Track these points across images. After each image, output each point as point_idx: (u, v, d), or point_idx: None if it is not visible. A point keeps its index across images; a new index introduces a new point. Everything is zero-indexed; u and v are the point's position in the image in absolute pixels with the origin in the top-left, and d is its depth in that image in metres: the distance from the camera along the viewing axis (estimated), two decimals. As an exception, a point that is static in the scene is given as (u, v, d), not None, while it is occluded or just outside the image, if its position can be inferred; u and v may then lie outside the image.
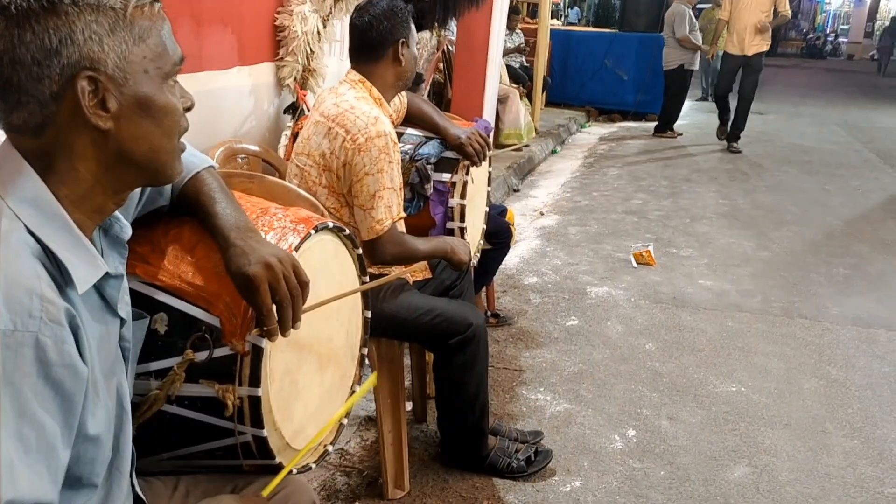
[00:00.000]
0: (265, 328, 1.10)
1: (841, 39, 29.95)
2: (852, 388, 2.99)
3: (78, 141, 0.88)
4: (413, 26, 2.19)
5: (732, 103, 8.13)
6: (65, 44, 0.83)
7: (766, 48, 7.74)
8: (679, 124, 9.18)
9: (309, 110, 2.76)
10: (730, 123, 8.24)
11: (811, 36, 28.05)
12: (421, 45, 5.60)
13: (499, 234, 2.97)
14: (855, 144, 8.94)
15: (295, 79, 2.82)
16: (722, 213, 5.59)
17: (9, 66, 0.83)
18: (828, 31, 29.17)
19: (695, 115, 10.49)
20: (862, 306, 3.87)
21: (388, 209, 2.00)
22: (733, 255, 4.63)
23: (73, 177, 0.90)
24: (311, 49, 2.84)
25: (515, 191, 6.15)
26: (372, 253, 2.01)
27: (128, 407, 1.02)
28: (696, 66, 8.71)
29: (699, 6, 10.10)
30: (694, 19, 8.50)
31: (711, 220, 5.40)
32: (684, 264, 4.42)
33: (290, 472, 1.26)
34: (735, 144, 8.14)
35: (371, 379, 1.40)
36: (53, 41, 0.83)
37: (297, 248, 1.22)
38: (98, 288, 0.94)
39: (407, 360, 2.54)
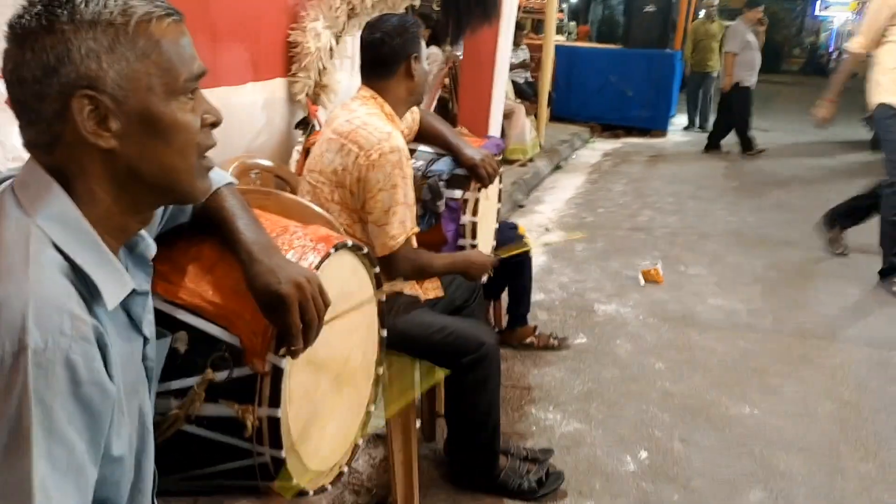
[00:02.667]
0: (292, 348, 1.08)
1: (844, 56, 30.05)
2: (866, 411, 2.96)
3: (88, 160, 0.87)
4: (423, 42, 2.19)
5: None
6: (62, 62, 0.82)
7: None
8: (680, 140, 9.21)
9: (320, 126, 2.75)
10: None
11: (817, 53, 28.16)
12: (430, 62, 5.61)
13: (516, 250, 2.95)
14: (862, 161, 8.93)
15: (307, 94, 2.82)
16: (730, 230, 5.57)
17: (16, 86, 0.84)
18: (831, 49, 29.24)
19: (700, 133, 10.50)
20: (875, 327, 3.84)
21: (401, 224, 1.99)
22: (743, 273, 4.61)
23: (91, 197, 0.89)
24: (323, 65, 2.84)
25: (520, 206, 6.14)
26: (388, 269, 2.00)
27: (150, 426, 1.01)
28: (752, 84, 8.65)
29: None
30: (751, 39, 8.52)
31: (719, 237, 5.38)
32: (693, 282, 4.40)
33: (306, 493, 1.24)
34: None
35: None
36: (51, 60, 0.82)
37: (317, 267, 1.20)
38: (124, 306, 0.93)
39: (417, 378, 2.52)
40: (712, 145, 9.05)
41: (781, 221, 5.89)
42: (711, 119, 10.37)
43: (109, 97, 0.85)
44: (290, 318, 1.06)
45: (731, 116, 8.81)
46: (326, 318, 1.17)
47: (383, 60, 2.10)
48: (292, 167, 2.71)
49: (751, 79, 8.60)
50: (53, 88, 0.83)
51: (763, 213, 6.17)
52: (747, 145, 8.85)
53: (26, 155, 0.90)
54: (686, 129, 10.69)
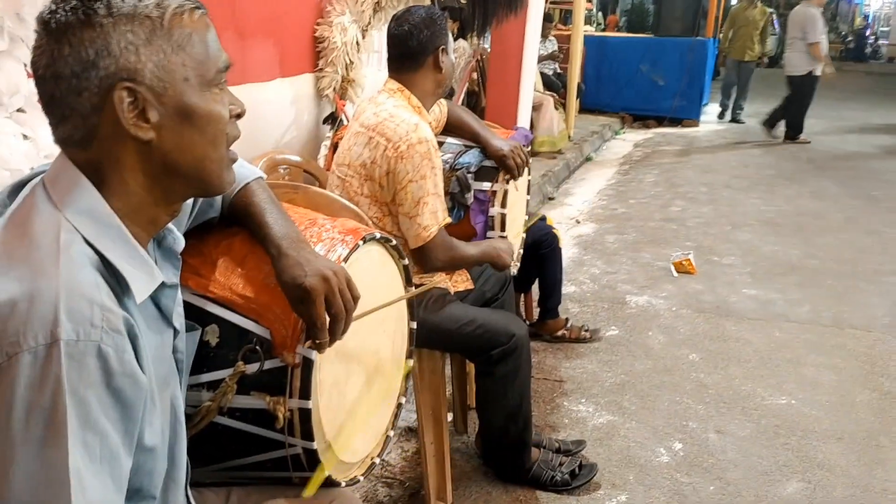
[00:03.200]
0: (318, 341, 1.09)
1: (881, 41, 29.31)
2: (906, 401, 2.90)
3: (123, 153, 0.88)
4: (450, 34, 2.18)
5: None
6: (101, 55, 0.83)
7: None
8: (713, 130, 9.06)
9: (348, 120, 2.76)
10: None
11: (850, 38, 27.47)
12: (458, 55, 5.60)
13: (544, 242, 2.94)
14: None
15: (334, 89, 2.83)
16: (764, 219, 5.48)
17: (51, 81, 0.84)
18: (867, 34, 28.53)
19: (729, 123, 10.34)
20: (914, 315, 3.75)
21: (433, 215, 1.98)
22: (778, 263, 4.53)
23: (124, 189, 0.90)
24: (350, 59, 2.85)
25: (550, 199, 6.10)
26: (423, 260, 2.00)
27: (182, 418, 1.02)
28: (820, 73, 8.39)
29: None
30: (823, 23, 8.26)
31: (754, 226, 5.29)
32: (727, 273, 4.34)
33: (339, 484, 1.25)
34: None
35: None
36: (90, 53, 0.83)
37: (345, 260, 1.21)
38: (154, 298, 0.94)
39: (448, 371, 2.52)
40: (792, 134, 8.79)
41: (818, 210, 5.78)
42: (746, 109, 10.17)
43: (148, 89, 0.86)
44: (316, 310, 1.07)
45: (796, 103, 8.58)
46: (357, 313, 1.18)
47: (411, 53, 2.10)
48: (321, 162, 2.73)
49: (820, 66, 8.35)
50: (93, 82, 0.84)
51: (799, 201, 6.05)
52: (797, 131, 8.67)
53: (58, 151, 0.91)
54: (720, 117, 10.46)
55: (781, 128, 8.85)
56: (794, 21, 8.39)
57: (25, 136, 1.31)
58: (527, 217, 2.71)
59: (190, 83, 0.89)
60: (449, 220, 2.07)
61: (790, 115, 8.70)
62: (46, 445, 0.76)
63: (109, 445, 0.80)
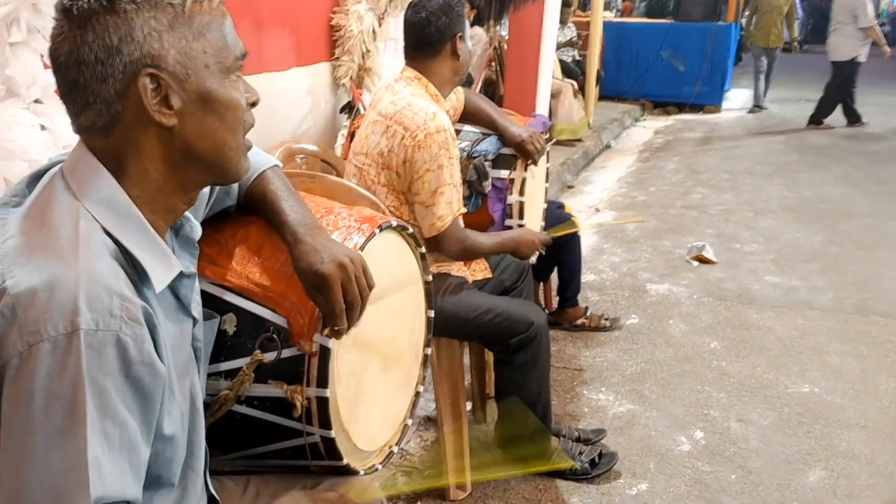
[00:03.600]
0: (335, 328, 1.09)
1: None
2: (933, 389, 2.85)
3: (144, 140, 0.88)
4: (467, 21, 2.16)
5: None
6: (125, 41, 0.83)
7: None
8: (735, 116, 8.94)
9: (365, 109, 2.75)
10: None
11: (885, 23, 26.97)
12: (475, 42, 5.57)
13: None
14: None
15: (351, 78, 2.82)
16: (787, 206, 5.41)
17: (74, 68, 0.84)
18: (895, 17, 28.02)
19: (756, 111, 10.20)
20: (940, 302, 3.69)
21: (448, 205, 1.98)
22: (801, 250, 4.47)
23: (144, 177, 0.90)
24: (366, 48, 2.83)
25: (570, 187, 6.07)
26: (435, 250, 1.99)
27: (200, 406, 1.02)
28: (864, 59, 8.21)
29: None
30: (872, 6, 8.06)
31: (776, 213, 5.23)
32: (749, 260, 4.29)
33: (357, 472, 1.25)
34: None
35: None
36: (114, 39, 0.83)
37: (362, 248, 1.20)
38: (172, 288, 0.94)
39: (466, 360, 2.52)
40: (819, 119, 8.66)
41: (841, 196, 5.69)
42: (769, 94, 9.96)
43: (171, 75, 0.86)
44: (333, 297, 1.06)
45: (839, 91, 8.43)
46: (372, 298, 1.17)
47: (428, 40, 2.09)
48: (338, 151, 2.72)
49: (865, 52, 8.18)
50: (117, 69, 0.84)
51: (823, 187, 5.97)
52: (855, 117, 8.57)
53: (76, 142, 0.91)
54: (751, 111, 9.96)
55: (837, 117, 8.63)
56: (843, 5, 8.19)
57: (43, 127, 1.32)
58: (545, 205, 2.69)
59: (210, 70, 0.89)
60: (464, 210, 2.06)
61: (832, 102, 8.52)
62: (65, 434, 0.76)
63: (128, 434, 0.81)
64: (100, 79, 0.84)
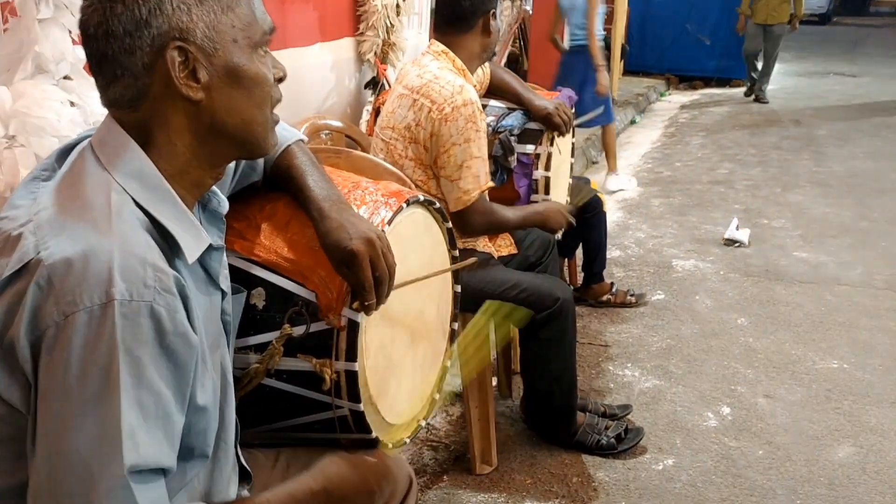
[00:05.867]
0: (365, 303, 1.09)
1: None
2: (965, 365, 2.81)
3: (172, 114, 0.88)
4: None
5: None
6: (154, 14, 0.83)
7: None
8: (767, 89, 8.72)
9: (389, 85, 2.74)
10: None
11: None
12: (503, 16, 5.51)
13: (589, 206, 2.90)
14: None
15: (375, 53, 2.80)
16: (816, 181, 5.32)
17: (103, 40, 0.84)
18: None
19: (783, 80, 10.00)
20: (973, 278, 3.62)
21: (475, 179, 1.97)
22: (830, 225, 4.40)
23: (171, 151, 0.90)
24: (390, 23, 2.81)
25: (594, 163, 6.01)
26: (461, 224, 1.98)
27: (230, 379, 1.03)
28: None
29: None
30: None
31: (805, 188, 5.14)
32: (777, 235, 4.23)
33: (386, 446, 1.26)
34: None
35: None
36: (143, 12, 0.83)
37: (389, 222, 1.20)
38: (201, 261, 0.95)
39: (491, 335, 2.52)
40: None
41: (871, 170, 5.58)
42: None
43: (199, 49, 0.86)
44: (363, 273, 1.07)
45: None
46: (407, 279, 1.17)
47: (463, 15, 2.07)
48: (363, 127, 2.72)
49: None
50: (145, 41, 0.84)
51: (852, 162, 5.85)
52: None
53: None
54: (746, 95, 8.91)
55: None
56: None
57: (73, 103, 1.33)
58: (571, 181, 2.67)
59: (238, 45, 0.89)
60: (491, 184, 2.05)
61: None
62: (101, 403, 0.77)
63: (162, 404, 0.82)
64: (128, 51, 0.84)
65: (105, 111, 0.91)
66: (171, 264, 0.86)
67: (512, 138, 2.30)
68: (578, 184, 2.90)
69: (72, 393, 0.77)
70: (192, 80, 0.87)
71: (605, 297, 3.29)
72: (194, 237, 0.91)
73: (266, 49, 0.94)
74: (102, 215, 0.82)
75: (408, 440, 1.34)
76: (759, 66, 8.81)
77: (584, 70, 4.74)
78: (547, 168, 2.31)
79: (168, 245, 0.88)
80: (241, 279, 1.14)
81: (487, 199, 2.04)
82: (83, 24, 0.86)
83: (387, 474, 1.20)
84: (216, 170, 0.96)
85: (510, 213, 2.09)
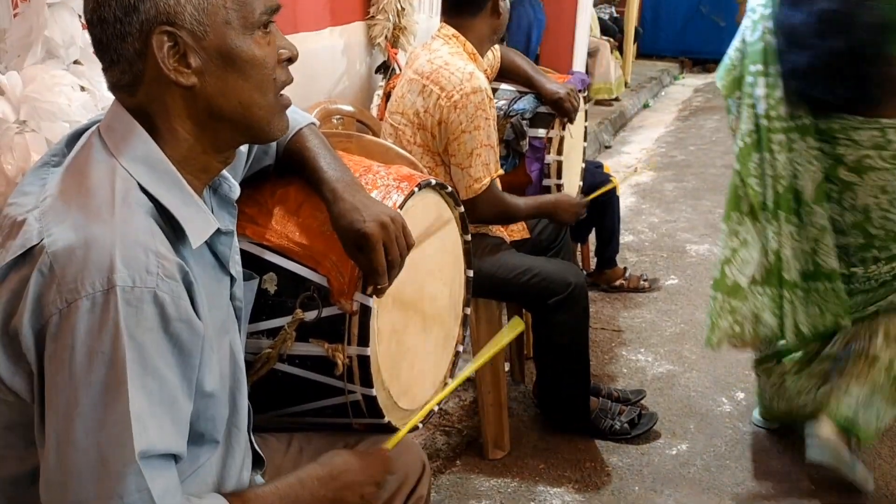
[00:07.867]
0: (378, 286, 1.08)
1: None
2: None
3: (169, 99, 0.87)
4: None
5: None
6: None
7: None
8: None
9: (400, 69, 2.73)
10: None
11: None
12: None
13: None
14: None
15: (386, 37, 2.79)
16: (831, 164, 5.25)
17: (98, 26, 0.85)
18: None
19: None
20: None
21: (485, 167, 1.95)
22: (846, 208, 4.35)
23: (174, 136, 0.89)
24: (401, 6, 2.80)
25: (607, 147, 5.97)
26: (471, 212, 1.97)
27: (242, 364, 1.03)
28: None
29: None
30: None
31: (820, 172, 5.08)
32: (792, 219, 4.18)
33: (398, 430, 1.25)
34: None
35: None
36: None
37: (401, 206, 1.19)
38: (210, 245, 0.94)
39: (504, 321, 2.51)
40: None
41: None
42: None
43: (188, 33, 0.85)
44: (376, 256, 1.06)
45: None
46: (410, 257, 1.16)
47: None
48: (374, 112, 2.71)
49: None
50: (134, 27, 0.83)
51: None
52: None
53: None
54: None
55: None
56: None
57: (83, 88, 1.33)
58: (583, 165, 2.65)
59: (232, 26, 0.87)
60: (501, 171, 2.04)
61: None
62: (108, 389, 0.77)
63: (169, 389, 0.82)
64: (119, 37, 0.84)
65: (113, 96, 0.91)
66: (176, 250, 0.86)
67: (524, 122, 2.28)
68: (598, 173, 2.87)
69: (79, 380, 0.77)
70: (182, 65, 0.85)
71: (618, 282, 3.27)
72: (201, 222, 0.90)
73: (268, 30, 0.91)
74: (106, 202, 0.82)
75: (420, 425, 1.34)
76: None
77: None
78: (559, 152, 2.29)
79: (173, 230, 0.87)
80: (254, 265, 1.14)
81: (499, 187, 2.02)
82: (84, 11, 0.87)
83: (393, 468, 1.18)
84: (222, 154, 0.95)
85: (521, 202, 2.08)
